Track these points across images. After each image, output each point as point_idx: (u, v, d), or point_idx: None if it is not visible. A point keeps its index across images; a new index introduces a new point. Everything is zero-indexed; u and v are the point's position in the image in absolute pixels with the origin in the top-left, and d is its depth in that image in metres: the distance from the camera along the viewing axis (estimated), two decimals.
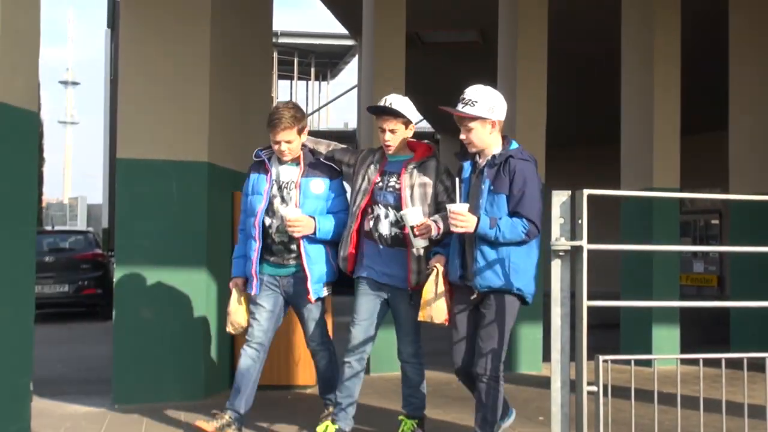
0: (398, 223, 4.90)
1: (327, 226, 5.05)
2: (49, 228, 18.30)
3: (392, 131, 4.91)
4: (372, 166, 5.03)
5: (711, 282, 21.55)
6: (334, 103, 33.01)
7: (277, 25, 33.26)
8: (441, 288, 4.61)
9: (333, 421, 5.02)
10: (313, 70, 31.83)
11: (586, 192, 2.62)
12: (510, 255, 4.39)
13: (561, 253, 2.66)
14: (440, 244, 4.79)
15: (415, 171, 4.91)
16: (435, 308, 4.59)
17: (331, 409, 5.23)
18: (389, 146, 4.94)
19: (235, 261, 5.30)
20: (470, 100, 4.50)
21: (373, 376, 7.52)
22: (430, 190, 4.90)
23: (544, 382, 7.05)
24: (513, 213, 4.38)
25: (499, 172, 4.44)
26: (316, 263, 5.10)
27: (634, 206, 8.81)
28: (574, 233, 2.62)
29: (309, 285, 5.08)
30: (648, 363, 7.46)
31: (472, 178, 4.60)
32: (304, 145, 5.16)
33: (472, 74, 7.78)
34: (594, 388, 2.64)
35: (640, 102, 8.82)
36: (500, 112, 4.54)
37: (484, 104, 4.48)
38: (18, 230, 4.61)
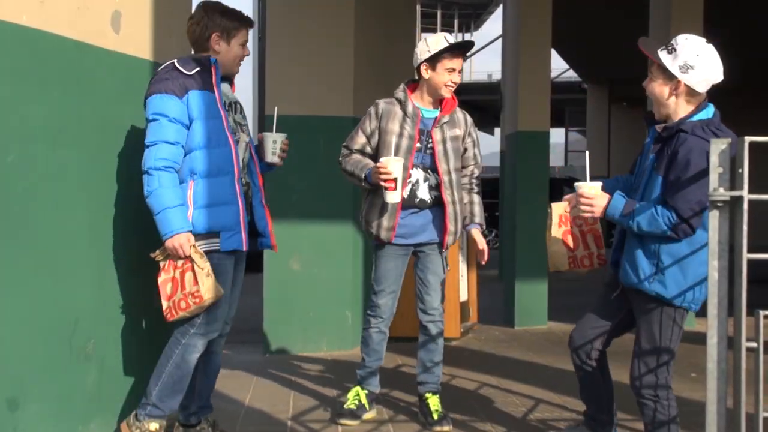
0: (436, 187, 4.43)
1: None
2: None
3: (459, 72, 4.42)
4: (409, 121, 4.41)
5: None
6: (477, 54, 32.73)
7: None
8: (554, 232, 3.96)
9: (362, 386, 4.66)
10: (456, 21, 31.61)
11: (748, 139, 2.48)
12: (660, 251, 3.45)
13: (719, 204, 2.54)
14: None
15: (445, 125, 4.44)
16: (552, 256, 3.98)
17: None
18: (452, 89, 4.40)
19: (174, 210, 3.62)
20: (672, 45, 3.44)
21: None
22: (460, 144, 4.50)
23: (697, 338, 6.85)
24: (663, 202, 3.42)
25: (664, 148, 3.46)
26: None
27: None
28: (734, 183, 2.48)
29: (271, 228, 4.11)
30: None
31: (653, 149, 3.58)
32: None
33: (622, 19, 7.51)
34: (754, 344, 2.52)
35: None
36: (696, 76, 3.40)
37: (681, 56, 3.40)
38: None
